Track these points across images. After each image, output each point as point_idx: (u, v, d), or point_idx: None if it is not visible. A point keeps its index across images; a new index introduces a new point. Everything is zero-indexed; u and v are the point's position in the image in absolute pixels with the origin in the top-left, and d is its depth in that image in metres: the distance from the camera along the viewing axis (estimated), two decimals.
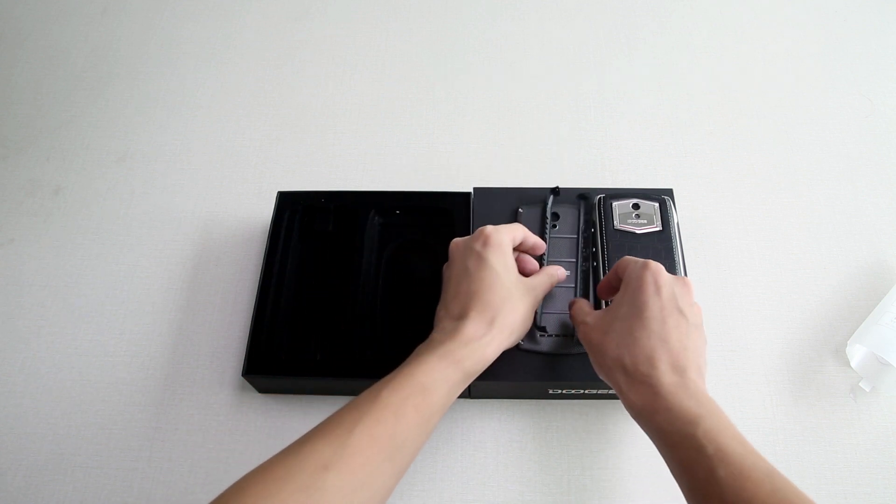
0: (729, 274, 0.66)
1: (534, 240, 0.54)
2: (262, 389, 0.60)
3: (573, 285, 0.58)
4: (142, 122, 0.78)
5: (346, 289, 0.61)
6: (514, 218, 0.62)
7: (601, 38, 0.83)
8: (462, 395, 0.59)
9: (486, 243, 0.49)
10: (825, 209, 0.69)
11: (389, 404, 0.40)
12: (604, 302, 0.54)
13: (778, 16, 0.85)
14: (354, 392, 0.59)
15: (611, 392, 0.57)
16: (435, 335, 0.46)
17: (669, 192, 0.62)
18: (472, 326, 0.45)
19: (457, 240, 0.52)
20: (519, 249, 0.54)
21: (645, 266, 0.45)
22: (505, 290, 0.47)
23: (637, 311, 0.43)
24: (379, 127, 0.77)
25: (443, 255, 0.61)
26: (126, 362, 0.62)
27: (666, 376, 0.41)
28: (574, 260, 0.59)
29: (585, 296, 0.57)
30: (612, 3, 0.86)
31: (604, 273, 0.57)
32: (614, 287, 0.50)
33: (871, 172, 0.72)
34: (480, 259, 0.48)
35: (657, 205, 0.61)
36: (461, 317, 0.46)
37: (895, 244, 0.67)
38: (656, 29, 0.84)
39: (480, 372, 0.46)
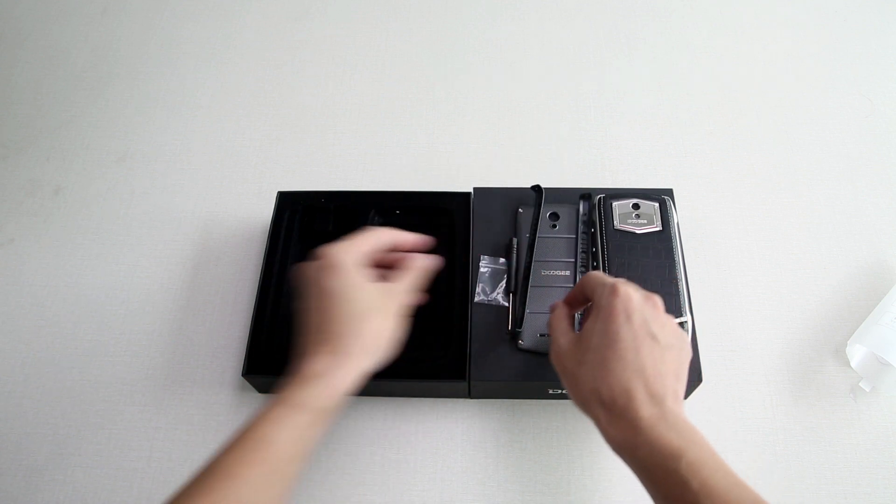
0: (729, 274, 0.66)
1: (410, 238, 0.51)
2: (263, 389, 0.60)
3: (572, 285, 0.58)
4: (142, 122, 0.78)
5: None
6: (514, 218, 0.62)
7: (601, 38, 0.83)
8: (462, 395, 0.59)
9: (321, 267, 0.46)
10: (825, 209, 0.69)
11: (225, 470, 0.38)
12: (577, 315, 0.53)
13: (778, 16, 0.85)
14: (355, 392, 0.60)
15: None
16: (290, 379, 0.43)
17: (669, 192, 0.62)
18: (313, 363, 0.43)
19: (301, 265, 0.48)
20: (400, 250, 0.52)
21: (613, 293, 0.44)
22: (349, 314, 0.44)
23: (609, 341, 0.42)
24: (379, 127, 0.77)
25: (442, 255, 0.61)
26: (126, 362, 0.62)
27: (644, 408, 0.40)
28: (573, 260, 0.59)
29: None
30: (612, 3, 0.86)
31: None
32: (580, 301, 0.50)
33: (871, 172, 0.72)
34: (318, 286, 0.46)
35: (657, 205, 0.61)
36: (303, 354, 0.44)
37: (895, 244, 0.67)
38: (656, 29, 0.84)
39: (338, 405, 0.43)
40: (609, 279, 0.45)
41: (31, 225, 0.71)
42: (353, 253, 0.47)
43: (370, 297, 0.46)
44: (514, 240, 0.60)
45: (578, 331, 0.46)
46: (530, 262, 0.58)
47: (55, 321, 0.65)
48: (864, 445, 0.57)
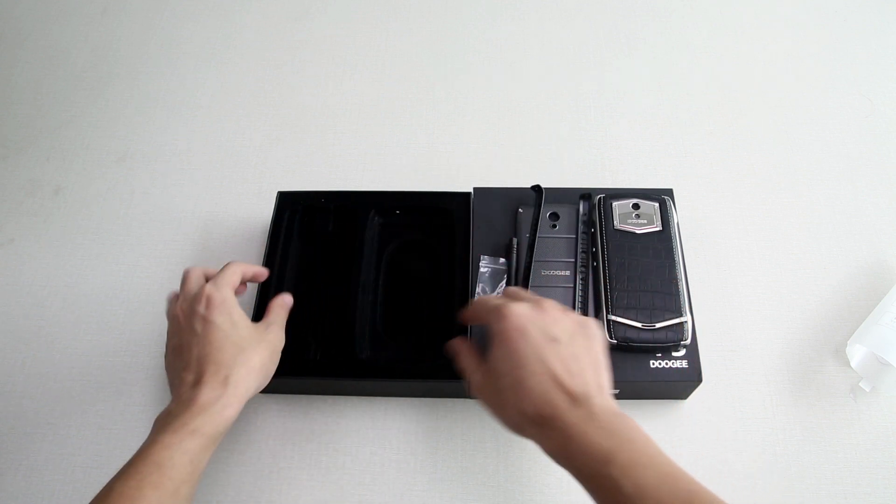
0: (729, 274, 0.66)
1: (252, 270, 0.55)
2: (263, 390, 0.60)
3: (572, 285, 0.58)
4: (142, 122, 0.78)
5: (346, 289, 0.61)
6: (514, 218, 0.62)
7: (601, 38, 0.83)
8: (462, 395, 0.59)
9: (209, 304, 0.49)
10: (825, 209, 0.69)
11: (120, 492, 0.40)
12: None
13: (778, 16, 0.85)
14: (355, 392, 0.60)
15: (614, 393, 0.57)
16: (171, 406, 0.46)
17: (669, 192, 0.62)
18: (207, 392, 0.45)
19: (176, 306, 0.51)
20: (248, 281, 0.56)
21: (501, 316, 0.44)
22: (235, 346, 0.48)
23: (516, 361, 0.43)
24: (379, 127, 0.77)
25: (442, 255, 0.61)
26: (126, 362, 0.62)
27: (570, 414, 0.40)
28: (573, 260, 0.59)
29: (585, 295, 0.57)
30: (612, 3, 0.86)
31: (604, 273, 0.57)
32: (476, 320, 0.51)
33: (871, 172, 0.72)
34: (206, 321, 0.48)
35: (657, 205, 0.61)
36: (196, 383, 0.46)
37: (895, 244, 0.67)
38: (656, 29, 0.84)
39: (226, 431, 0.46)
40: (494, 301, 0.46)
41: (31, 225, 0.71)
42: (231, 291, 0.51)
43: (251, 332, 0.50)
44: (514, 240, 0.60)
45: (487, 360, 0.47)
46: (530, 262, 0.58)
47: (55, 321, 0.65)
48: (864, 445, 0.57)
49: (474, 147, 0.75)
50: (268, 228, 0.64)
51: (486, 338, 0.47)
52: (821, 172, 0.72)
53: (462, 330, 0.58)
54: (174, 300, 0.52)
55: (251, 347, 0.49)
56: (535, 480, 0.56)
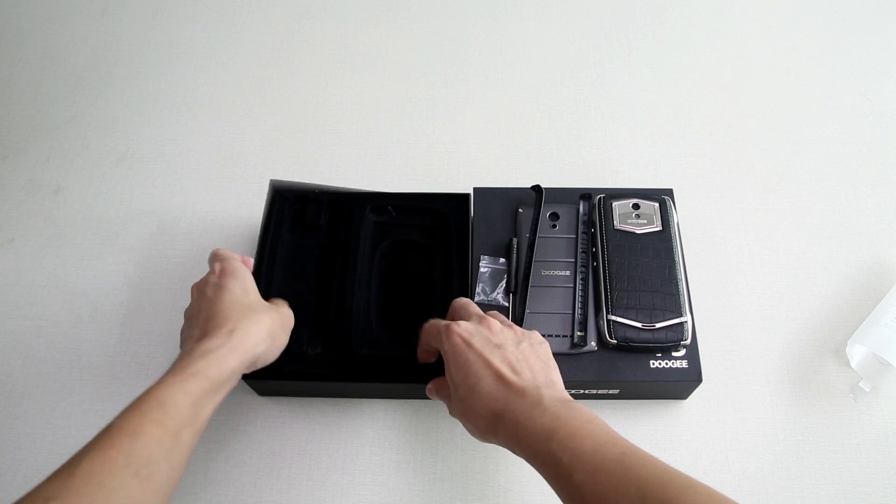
0: (729, 274, 0.66)
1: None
2: (263, 392, 0.60)
3: (572, 285, 0.58)
4: (142, 122, 0.78)
5: (342, 284, 0.60)
6: (514, 218, 0.62)
7: (601, 38, 0.83)
8: None
9: (222, 272, 0.51)
10: (825, 209, 0.69)
11: (122, 427, 0.39)
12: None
13: (778, 16, 0.85)
14: (355, 394, 0.60)
15: (611, 393, 0.57)
16: (176, 361, 0.46)
17: (669, 192, 0.62)
18: (210, 341, 0.45)
19: (196, 282, 0.52)
20: None
21: (447, 335, 0.47)
22: (245, 306, 0.49)
23: (465, 372, 0.45)
24: (379, 127, 0.77)
25: (438, 253, 0.61)
26: (126, 362, 0.62)
27: (516, 403, 0.42)
28: (573, 260, 0.59)
29: (585, 295, 0.57)
30: (612, 3, 0.86)
31: (604, 273, 0.57)
32: (430, 352, 0.53)
33: (871, 172, 0.72)
34: (218, 287, 0.49)
35: (657, 205, 0.61)
36: (201, 337, 0.46)
37: (895, 244, 0.67)
38: (656, 29, 0.84)
39: (230, 380, 0.45)
40: (440, 323, 0.49)
41: (31, 225, 0.71)
42: (242, 264, 0.53)
43: (265, 303, 0.51)
44: (514, 240, 0.60)
45: None
46: (530, 262, 0.58)
47: (55, 321, 0.65)
48: (864, 445, 0.57)
49: (474, 147, 0.75)
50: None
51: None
52: (821, 172, 0.72)
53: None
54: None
55: (262, 311, 0.49)
56: (535, 480, 0.56)
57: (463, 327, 0.47)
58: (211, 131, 0.77)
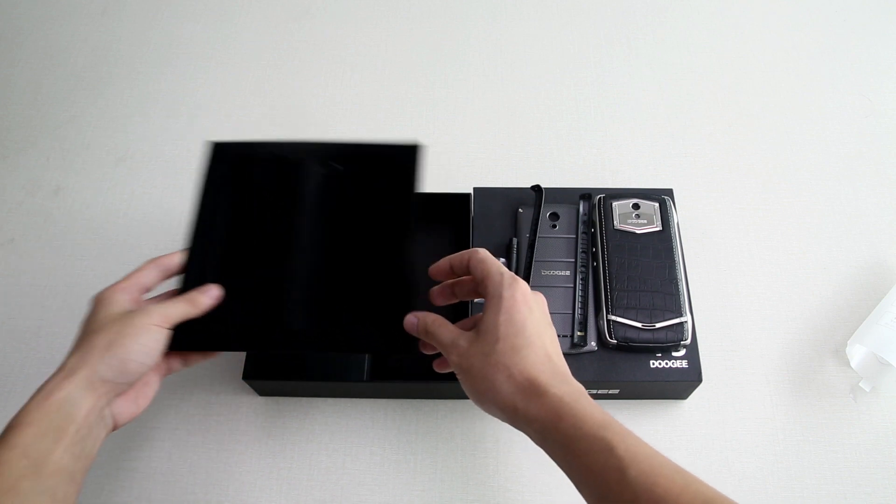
0: (729, 274, 0.66)
1: (165, 262, 0.51)
2: (263, 392, 0.60)
3: (572, 285, 0.58)
4: (142, 122, 0.78)
5: (280, 249, 0.53)
6: (514, 218, 0.62)
7: (601, 38, 0.83)
8: (462, 396, 0.59)
9: (90, 304, 0.49)
10: (825, 209, 0.69)
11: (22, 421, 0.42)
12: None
13: (778, 16, 0.85)
14: (355, 394, 0.60)
15: (611, 393, 0.57)
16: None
17: (669, 192, 0.62)
18: (65, 360, 0.46)
19: None
20: (172, 276, 0.52)
21: (512, 283, 0.44)
22: (97, 324, 0.47)
23: (517, 329, 0.43)
24: (379, 127, 0.77)
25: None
26: None
27: (562, 386, 0.41)
28: (573, 260, 0.59)
29: (585, 295, 0.57)
30: (612, 3, 0.86)
31: (604, 273, 0.57)
32: (454, 273, 0.48)
33: (871, 172, 0.72)
34: (84, 320, 0.48)
35: (657, 205, 0.61)
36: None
37: (895, 244, 0.67)
38: (656, 29, 0.84)
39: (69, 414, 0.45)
40: (502, 266, 0.45)
41: (31, 225, 0.71)
42: (121, 288, 0.49)
43: (113, 313, 0.47)
44: (514, 240, 0.60)
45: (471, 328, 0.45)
46: (530, 262, 0.58)
47: (55, 321, 0.65)
48: (864, 445, 0.57)
49: (474, 147, 0.75)
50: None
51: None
52: (821, 172, 0.72)
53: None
54: None
55: (108, 327, 0.47)
56: (535, 480, 0.56)
57: (526, 287, 0.44)
58: (211, 131, 0.77)
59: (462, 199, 0.64)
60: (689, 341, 0.55)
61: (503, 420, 0.43)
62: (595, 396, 0.58)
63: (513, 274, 0.45)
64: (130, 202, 0.72)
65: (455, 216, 0.65)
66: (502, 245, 0.61)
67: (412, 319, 0.47)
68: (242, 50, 0.84)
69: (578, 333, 0.55)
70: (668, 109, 0.77)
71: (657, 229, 0.59)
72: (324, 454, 0.58)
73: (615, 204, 0.61)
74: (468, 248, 0.61)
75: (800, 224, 0.69)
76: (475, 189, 0.64)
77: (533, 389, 0.41)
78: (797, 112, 0.76)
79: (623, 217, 0.60)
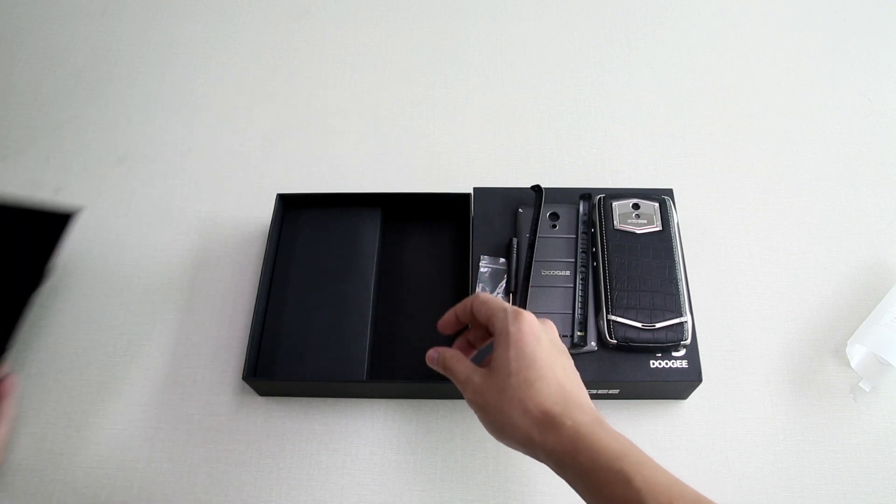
0: (729, 274, 0.66)
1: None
2: (263, 392, 0.60)
3: (572, 285, 0.58)
4: (142, 122, 0.78)
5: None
6: (514, 218, 0.62)
7: (601, 38, 0.83)
8: (462, 396, 0.59)
9: None
10: (825, 209, 0.69)
11: None
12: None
13: (778, 16, 0.85)
14: (355, 394, 0.60)
15: (611, 393, 0.57)
16: None
17: (669, 192, 0.62)
18: None
19: None
20: None
21: (517, 318, 0.44)
22: None
23: (528, 362, 0.43)
24: (379, 127, 0.77)
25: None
26: (126, 362, 0.62)
27: (579, 415, 0.41)
28: (573, 260, 0.59)
29: (585, 295, 0.57)
30: (612, 3, 0.86)
31: (604, 273, 0.57)
32: (461, 322, 0.49)
33: (871, 172, 0.72)
34: None
35: (657, 205, 0.61)
36: None
37: (895, 244, 0.67)
38: (656, 29, 0.84)
39: None
40: (504, 303, 0.46)
41: None
42: None
43: None
44: (514, 240, 0.60)
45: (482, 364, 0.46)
46: (531, 262, 0.58)
47: (55, 321, 0.65)
48: (864, 445, 0.57)
49: (474, 147, 0.75)
50: (267, 229, 0.64)
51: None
52: (821, 172, 0.72)
53: (463, 329, 0.57)
54: None
55: None
56: (535, 481, 0.56)
57: (532, 319, 0.45)
58: (211, 131, 0.77)
59: (462, 199, 0.64)
60: (689, 341, 0.55)
61: (522, 452, 0.43)
62: (595, 396, 0.58)
63: (516, 308, 0.45)
64: (130, 202, 0.72)
65: (455, 216, 0.65)
66: (502, 245, 0.61)
67: (433, 354, 0.48)
68: (242, 50, 0.84)
69: (578, 333, 0.55)
70: (668, 109, 0.77)
71: (657, 229, 0.59)
72: (324, 454, 0.58)
73: (615, 204, 0.61)
74: (468, 248, 0.61)
75: (800, 224, 0.69)
76: (475, 189, 0.64)
77: (549, 422, 0.41)
78: (797, 112, 0.76)
79: (623, 217, 0.60)
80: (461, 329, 0.50)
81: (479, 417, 0.45)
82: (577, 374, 0.45)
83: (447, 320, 0.50)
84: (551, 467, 0.42)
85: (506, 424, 0.43)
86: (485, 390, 0.44)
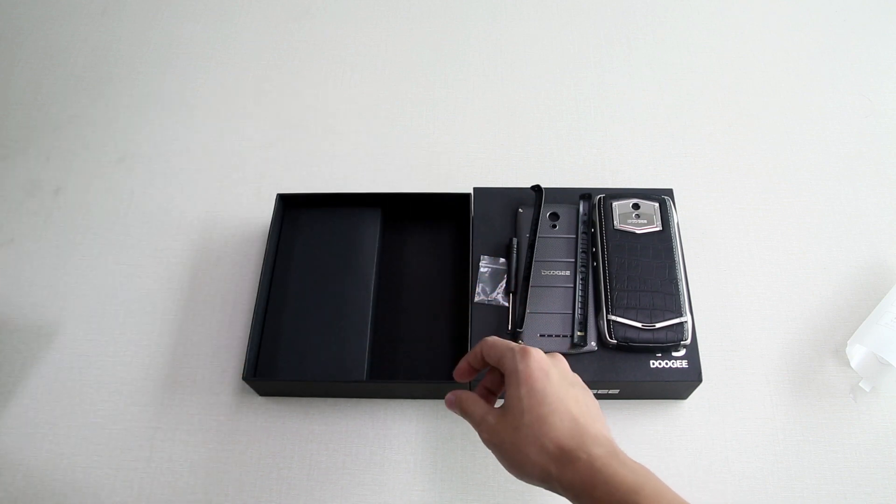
0: (729, 274, 0.66)
1: None
2: (263, 392, 0.60)
3: (572, 285, 0.58)
4: (142, 122, 0.78)
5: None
6: (514, 218, 0.62)
7: (601, 38, 0.83)
8: None
9: None
10: (825, 209, 0.69)
11: None
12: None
13: (778, 16, 0.85)
14: (355, 394, 0.60)
15: (611, 393, 0.57)
16: None
17: (669, 192, 0.62)
18: None
19: None
20: None
21: (524, 356, 0.45)
22: None
23: (539, 399, 0.43)
24: (379, 127, 0.77)
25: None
26: (126, 362, 0.62)
27: (594, 448, 0.41)
28: (573, 260, 0.59)
29: (585, 295, 0.57)
30: (612, 3, 0.86)
31: (604, 273, 0.57)
32: (474, 369, 0.50)
33: (871, 172, 0.72)
34: None
35: (657, 205, 0.61)
36: None
37: (895, 244, 0.67)
38: (656, 29, 0.84)
39: None
40: (510, 343, 0.47)
41: (31, 225, 0.71)
42: None
43: None
44: (514, 240, 0.60)
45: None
46: (531, 262, 0.58)
47: (55, 321, 0.65)
48: (864, 445, 0.57)
49: (474, 147, 0.75)
50: (267, 229, 0.64)
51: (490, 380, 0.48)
52: (821, 172, 0.72)
53: (462, 329, 0.58)
54: None
55: None
56: None
57: (540, 355, 0.45)
58: (211, 131, 0.77)
59: (462, 199, 0.64)
60: (689, 341, 0.55)
61: (541, 487, 0.43)
62: (595, 396, 0.58)
63: (524, 346, 0.46)
64: (130, 202, 0.72)
65: (455, 216, 0.65)
66: (502, 245, 0.61)
67: (451, 398, 0.49)
68: (242, 50, 0.84)
69: (578, 333, 0.55)
70: (668, 109, 0.77)
71: (657, 229, 0.59)
72: (324, 454, 0.58)
73: (615, 204, 0.61)
74: (468, 248, 0.61)
75: (800, 224, 0.69)
76: (475, 189, 0.64)
77: (564, 457, 0.41)
78: (797, 112, 0.76)
79: (623, 217, 0.60)
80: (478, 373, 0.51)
81: (496, 457, 0.45)
82: (594, 402, 0.45)
83: (462, 369, 0.50)
84: (570, 500, 0.42)
85: (524, 462, 0.43)
86: (500, 430, 0.45)
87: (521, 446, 0.43)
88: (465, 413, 0.48)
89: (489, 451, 0.58)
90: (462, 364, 0.50)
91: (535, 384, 0.44)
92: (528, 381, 0.44)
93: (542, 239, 0.60)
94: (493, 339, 0.48)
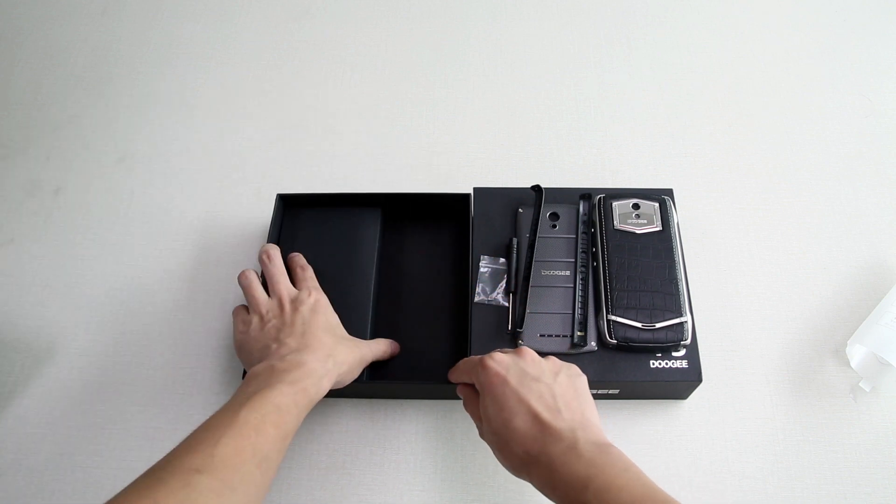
0: (729, 274, 0.66)
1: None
2: None
3: (572, 285, 0.58)
4: (142, 122, 0.78)
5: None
6: (514, 218, 0.62)
7: (601, 38, 0.83)
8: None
9: (317, 301, 0.55)
10: (825, 209, 0.69)
11: (249, 421, 0.43)
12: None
13: (778, 16, 0.85)
14: (355, 394, 0.60)
15: (611, 393, 0.57)
16: (276, 363, 0.48)
17: (669, 192, 0.62)
18: (314, 361, 0.49)
19: (268, 301, 0.56)
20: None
21: (482, 369, 0.47)
22: (336, 338, 0.53)
23: (499, 406, 0.45)
24: (379, 127, 0.77)
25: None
26: (126, 362, 0.62)
27: (553, 447, 0.42)
28: (573, 260, 0.59)
29: (585, 295, 0.57)
30: (612, 3, 0.86)
31: (604, 273, 0.57)
32: (467, 386, 0.51)
33: (871, 172, 0.72)
34: (315, 311, 0.54)
35: (657, 205, 0.61)
36: (300, 350, 0.50)
37: (895, 244, 0.67)
38: (656, 29, 0.84)
39: (316, 401, 0.49)
40: (474, 358, 0.49)
41: (31, 225, 0.71)
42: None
43: (347, 337, 0.56)
44: (514, 240, 0.60)
45: None
46: (531, 262, 0.58)
47: (55, 321, 0.65)
48: (864, 445, 0.57)
49: (474, 147, 0.75)
50: (267, 229, 0.64)
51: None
52: (821, 172, 0.72)
53: (462, 329, 0.58)
54: (258, 302, 0.56)
55: (349, 347, 0.53)
56: None
57: (497, 359, 0.47)
58: (211, 131, 0.77)
59: (462, 199, 0.64)
60: (689, 341, 0.55)
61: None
62: (595, 396, 0.57)
63: (483, 357, 0.48)
64: (130, 202, 0.72)
65: (455, 216, 0.65)
66: (502, 245, 0.61)
67: (460, 394, 0.52)
68: (242, 50, 0.84)
69: (578, 333, 0.55)
70: (668, 109, 0.77)
71: (657, 229, 0.59)
72: (324, 454, 0.58)
73: (615, 204, 0.61)
74: (468, 248, 0.61)
75: (800, 224, 0.69)
76: (475, 189, 0.64)
77: (531, 461, 0.43)
78: (797, 112, 0.76)
79: (623, 217, 0.60)
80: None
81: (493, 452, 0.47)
82: (565, 387, 0.46)
83: (454, 376, 0.53)
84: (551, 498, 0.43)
85: (507, 465, 0.46)
86: (485, 435, 0.48)
87: (501, 450, 0.45)
88: (468, 411, 0.51)
89: (489, 451, 0.58)
90: (458, 389, 0.53)
91: (494, 391, 0.46)
92: (489, 389, 0.46)
93: (542, 239, 0.60)
94: (464, 360, 0.51)
